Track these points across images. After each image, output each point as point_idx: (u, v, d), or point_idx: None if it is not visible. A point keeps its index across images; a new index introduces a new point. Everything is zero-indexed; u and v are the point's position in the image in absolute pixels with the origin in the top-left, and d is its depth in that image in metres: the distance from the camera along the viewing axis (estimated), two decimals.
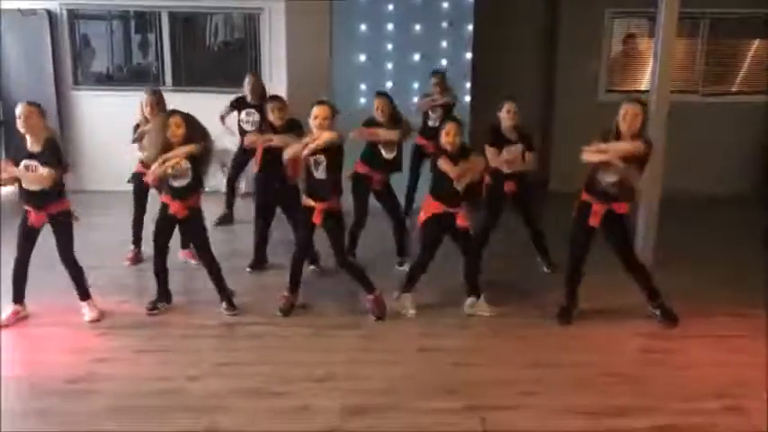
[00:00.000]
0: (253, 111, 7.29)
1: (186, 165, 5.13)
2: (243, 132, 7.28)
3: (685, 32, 8.90)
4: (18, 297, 5.16)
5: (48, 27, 8.59)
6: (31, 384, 4.34)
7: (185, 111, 5.24)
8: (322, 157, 5.11)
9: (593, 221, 5.09)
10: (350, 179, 6.03)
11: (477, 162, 5.28)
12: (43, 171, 4.86)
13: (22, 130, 4.88)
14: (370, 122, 6.12)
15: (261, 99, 7.09)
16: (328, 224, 5.25)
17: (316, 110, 5.13)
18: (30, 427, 3.88)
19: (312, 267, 6.13)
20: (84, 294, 5.24)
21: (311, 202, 5.22)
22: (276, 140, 5.80)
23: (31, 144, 4.91)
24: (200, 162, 5.21)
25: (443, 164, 5.18)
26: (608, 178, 4.98)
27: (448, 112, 7.18)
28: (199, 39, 9.21)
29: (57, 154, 4.98)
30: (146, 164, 5.59)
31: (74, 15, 8.86)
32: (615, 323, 5.27)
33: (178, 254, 6.18)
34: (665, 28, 6.10)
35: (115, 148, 7.95)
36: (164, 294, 5.39)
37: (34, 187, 4.92)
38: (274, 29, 8.64)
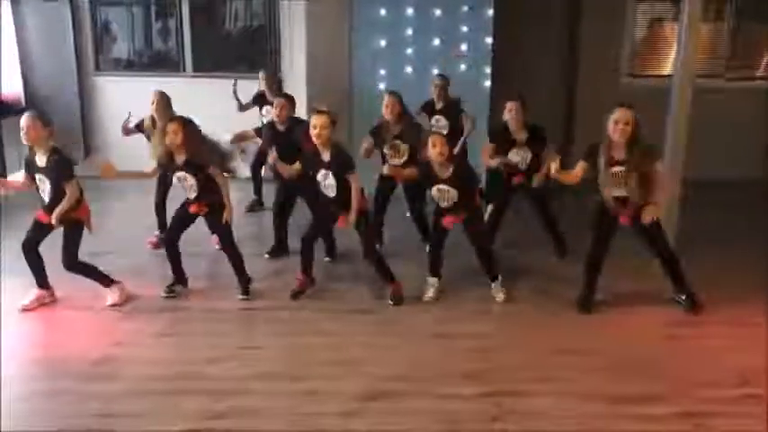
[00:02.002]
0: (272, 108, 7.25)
1: (192, 181, 5.13)
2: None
3: (710, 16, 8.76)
4: (40, 282, 5.20)
5: (69, 13, 8.62)
6: (51, 366, 4.39)
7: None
8: (330, 179, 5.15)
9: (624, 221, 4.99)
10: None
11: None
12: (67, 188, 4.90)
13: (24, 142, 4.87)
14: (379, 129, 6.09)
15: (279, 92, 7.10)
16: (356, 224, 5.24)
17: (314, 119, 5.07)
18: (48, 409, 3.92)
19: (327, 259, 6.13)
20: (106, 282, 5.28)
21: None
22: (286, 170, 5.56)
23: (39, 156, 4.91)
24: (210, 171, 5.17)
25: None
26: (617, 192, 4.90)
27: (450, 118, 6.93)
28: (219, 25, 9.21)
29: (62, 167, 4.93)
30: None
31: (95, 2, 8.88)
32: (635, 309, 5.23)
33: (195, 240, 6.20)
34: (690, 12, 6.00)
35: (135, 134, 8.01)
36: (179, 278, 5.43)
37: (46, 197, 4.95)
38: (294, 14, 8.62)
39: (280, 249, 6.25)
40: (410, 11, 8.00)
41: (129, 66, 9.26)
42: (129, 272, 5.66)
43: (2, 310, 5.01)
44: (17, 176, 5.10)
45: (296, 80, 8.10)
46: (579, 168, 5.02)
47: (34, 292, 5.18)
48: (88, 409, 3.89)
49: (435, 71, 7.83)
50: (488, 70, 8.00)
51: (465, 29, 8.00)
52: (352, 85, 8.11)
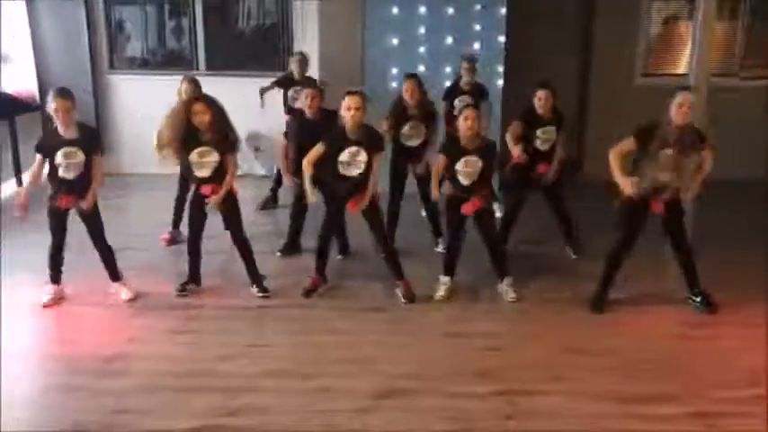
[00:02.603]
0: (300, 89, 6.99)
1: (215, 156, 5.12)
2: (291, 111, 7.24)
3: (725, 15, 8.71)
4: (56, 279, 5.22)
5: (83, 12, 8.68)
6: (65, 362, 4.41)
7: (217, 95, 5.22)
8: (362, 155, 5.13)
9: (658, 209, 4.96)
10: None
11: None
12: (95, 162, 5.00)
13: (59, 123, 4.87)
14: (398, 106, 6.11)
15: (305, 77, 7.11)
16: (367, 212, 5.27)
17: (348, 100, 5.07)
18: (63, 404, 3.94)
19: (339, 257, 6.14)
20: (116, 275, 5.32)
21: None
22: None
23: (65, 131, 4.92)
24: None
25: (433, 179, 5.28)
26: (663, 177, 4.86)
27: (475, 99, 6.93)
28: (232, 23, 9.25)
29: (95, 138, 5.11)
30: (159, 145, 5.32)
31: (109, 1, 8.93)
32: (647, 309, 5.21)
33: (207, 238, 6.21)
34: (705, 10, 5.96)
35: (150, 131, 8.05)
36: (194, 277, 5.44)
37: (71, 175, 4.96)
38: (307, 13, 8.64)
39: (292, 247, 6.27)
40: (423, 9, 7.99)
41: (143, 64, 9.32)
42: (142, 268, 5.72)
43: (6, 306, 5.01)
44: (27, 177, 5.09)
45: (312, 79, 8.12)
46: (626, 144, 4.92)
47: (50, 288, 5.19)
48: (102, 405, 3.92)
49: (448, 69, 7.86)
50: (501, 69, 7.98)
51: (478, 27, 7.99)
52: (364, 83, 8.11)
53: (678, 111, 4.73)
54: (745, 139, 8.52)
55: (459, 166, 5.16)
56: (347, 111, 5.05)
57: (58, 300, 5.19)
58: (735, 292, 5.37)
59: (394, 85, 7.82)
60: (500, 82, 7.95)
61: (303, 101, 5.94)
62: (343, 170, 5.16)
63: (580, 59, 9.14)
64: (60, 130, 4.90)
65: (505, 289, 5.37)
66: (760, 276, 5.68)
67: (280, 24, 9.01)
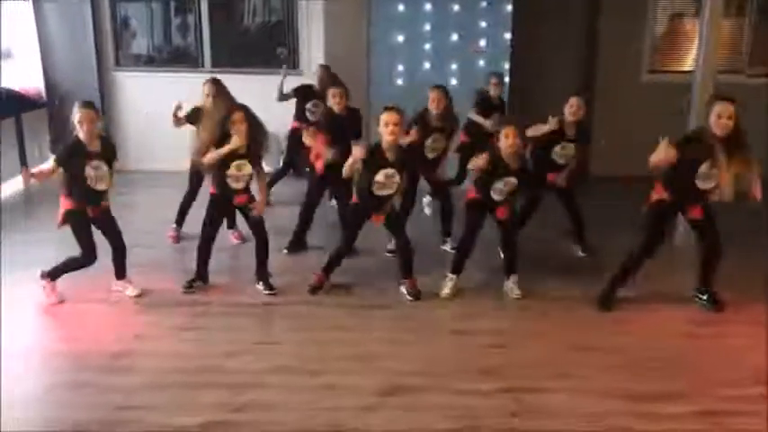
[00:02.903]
0: (320, 102, 7.10)
1: (249, 170, 5.17)
2: (306, 121, 7.24)
3: (731, 12, 8.69)
4: (56, 277, 5.17)
5: (89, 10, 8.69)
6: (71, 359, 4.42)
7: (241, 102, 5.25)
8: (397, 178, 5.15)
9: (696, 215, 4.99)
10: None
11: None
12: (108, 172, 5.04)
13: (83, 134, 4.84)
14: (422, 117, 6.10)
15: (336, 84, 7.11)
16: (389, 223, 5.34)
17: (385, 116, 5.05)
18: (70, 401, 3.95)
19: None
20: (123, 273, 5.31)
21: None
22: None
23: (90, 143, 4.91)
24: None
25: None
26: (706, 185, 4.85)
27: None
28: (237, 20, 9.25)
29: (114, 151, 5.13)
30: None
31: None
32: (655, 307, 5.20)
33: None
34: (711, 7, 5.94)
35: (156, 128, 8.08)
36: (202, 275, 5.44)
37: (102, 187, 4.99)
38: (312, 10, 8.64)
39: (298, 245, 6.27)
40: (428, 6, 8.00)
41: (149, 61, 9.33)
42: (148, 265, 5.73)
43: (7, 305, 5.00)
44: (43, 167, 5.11)
45: (314, 77, 8.12)
46: (669, 151, 4.75)
47: (53, 284, 5.15)
48: (109, 401, 3.92)
49: (454, 66, 7.86)
50: (507, 66, 7.98)
51: (483, 24, 8.00)
52: (370, 81, 8.12)
53: (717, 121, 4.68)
54: (751, 137, 8.48)
55: (498, 184, 5.15)
56: (385, 127, 5.03)
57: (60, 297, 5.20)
58: (740, 290, 5.36)
59: (399, 82, 7.84)
60: (506, 79, 7.94)
61: (332, 100, 6.04)
62: (377, 190, 5.15)
63: (586, 57, 9.12)
64: (85, 140, 4.88)
65: (511, 286, 5.38)
66: (764, 275, 5.67)
67: (285, 22, 9.01)
